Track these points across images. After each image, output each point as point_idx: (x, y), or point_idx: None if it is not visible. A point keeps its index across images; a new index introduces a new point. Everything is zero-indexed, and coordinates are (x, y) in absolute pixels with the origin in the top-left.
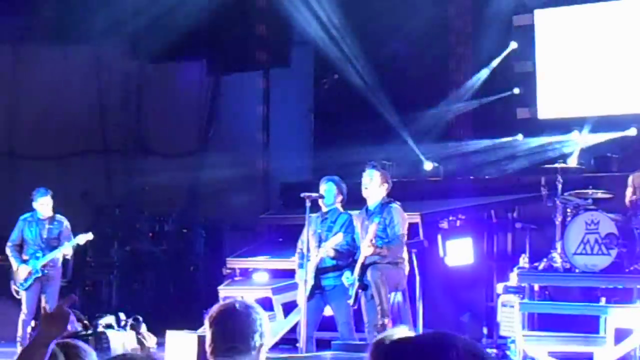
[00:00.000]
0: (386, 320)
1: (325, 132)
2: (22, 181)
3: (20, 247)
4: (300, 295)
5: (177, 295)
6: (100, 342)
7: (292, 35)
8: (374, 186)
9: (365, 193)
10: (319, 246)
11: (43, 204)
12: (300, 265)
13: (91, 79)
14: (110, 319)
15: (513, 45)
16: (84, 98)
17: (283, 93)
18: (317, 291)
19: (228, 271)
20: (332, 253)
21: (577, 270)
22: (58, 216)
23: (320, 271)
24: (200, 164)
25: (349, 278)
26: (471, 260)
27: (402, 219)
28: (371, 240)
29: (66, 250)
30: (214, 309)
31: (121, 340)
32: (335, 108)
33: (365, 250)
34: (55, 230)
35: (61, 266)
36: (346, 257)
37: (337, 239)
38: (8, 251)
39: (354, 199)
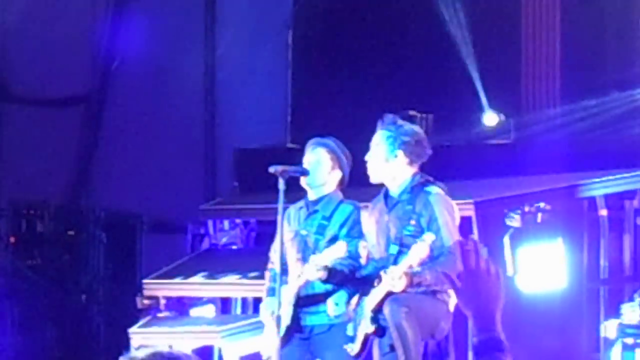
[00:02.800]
0: None
1: (311, 64)
2: None
3: None
4: (271, 342)
5: (59, 342)
6: None
7: None
8: (397, 161)
9: (377, 176)
10: (305, 259)
11: None
12: (272, 292)
13: None
14: None
15: None
16: None
17: None
18: (299, 335)
19: (146, 302)
20: (322, 275)
21: None
22: None
23: (303, 302)
24: (97, 119)
25: (340, 305)
26: (562, 282)
27: (451, 215)
28: (409, 268)
29: None
30: None
31: None
32: (331, 21)
33: (394, 283)
34: None
35: None
36: (349, 277)
37: (337, 252)
38: None
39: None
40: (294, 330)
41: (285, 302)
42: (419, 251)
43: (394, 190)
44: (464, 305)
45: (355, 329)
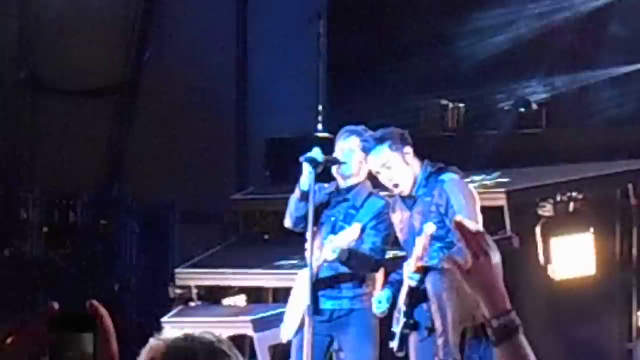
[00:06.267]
0: None
1: (343, 53)
2: None
3: None
4: (304, 330)
5: None
6: None
7: None
8: (410, 157)
9: (408, 186)
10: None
11: None
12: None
13: None
14: None
15: None
16: None
17: None
18: (317, 317)
19: (178, 291)
20: (330, 256)
21: None
22: None
23: (323, 285)
24: (130, 109)
25: (382, 302)
26: (593, 270)
27: (466, 198)
28: (419, 258)
29: None
30: (157, 348)
31: None
32: (365, 9)
33: (409, 275)
34: None
35: None
36: (368, 265)
37: (352, 234)
38: None
39: None
40: (313, 313)
41: (303, 284)
42: (421, 243)
43: (412, 188)
44: (471, 288)
45: (396, 325)
